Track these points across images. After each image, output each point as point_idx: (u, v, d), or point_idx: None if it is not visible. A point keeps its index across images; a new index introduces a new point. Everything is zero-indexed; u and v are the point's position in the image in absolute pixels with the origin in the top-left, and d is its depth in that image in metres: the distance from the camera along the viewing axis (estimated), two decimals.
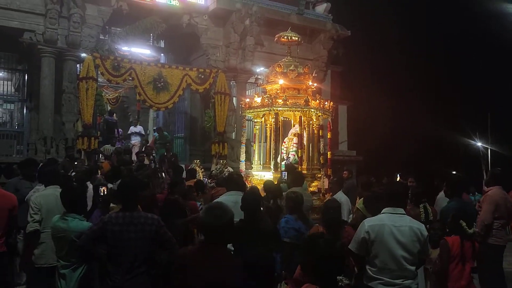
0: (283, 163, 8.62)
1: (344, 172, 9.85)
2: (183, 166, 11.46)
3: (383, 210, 3.47)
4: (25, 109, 11.41)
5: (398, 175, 9.03)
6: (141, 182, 4.30)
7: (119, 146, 11.26)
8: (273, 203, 5.22)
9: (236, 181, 5.00)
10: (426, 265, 4.26)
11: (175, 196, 5.21)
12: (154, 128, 13.27)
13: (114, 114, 15.07)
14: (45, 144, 10.18)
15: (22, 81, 11.76)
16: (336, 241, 3.03)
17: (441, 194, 6.22)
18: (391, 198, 3.48)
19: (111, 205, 4.48)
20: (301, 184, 5.97)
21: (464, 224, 3.98)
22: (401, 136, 18.27)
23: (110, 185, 5.90)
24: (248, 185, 8.02)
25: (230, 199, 4.41)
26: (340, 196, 6.36)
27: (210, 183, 8.45)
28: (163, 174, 8.29)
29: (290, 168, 7.48)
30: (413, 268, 3.35)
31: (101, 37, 11.77)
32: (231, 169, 9.51)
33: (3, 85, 11.73)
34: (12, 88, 12.34)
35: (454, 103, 18.91)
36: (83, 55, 10.52)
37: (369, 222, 3.42)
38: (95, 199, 5.06)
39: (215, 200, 4.49)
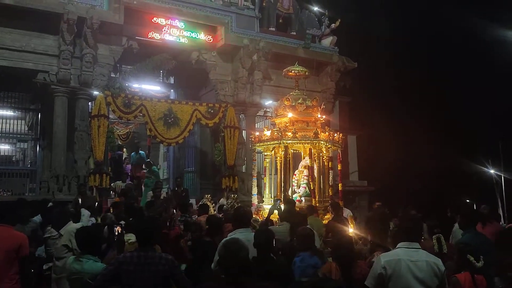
0: (294, 195, 8.59)
1: (376, 203, 9.66)
2: (194, 200, 11.51)
3: (398, 245, 3.42)
4: (38, 147, 11.56)
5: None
6: (157, 221, 4.27)
7: (130, 182, 11.31)
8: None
9: (242, 217, 4.76)
10: None
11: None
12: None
13: (124, 149, 15.25)
14: (58, 182, 10.25)
15: (35, 120, 11.97)
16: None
17: (457, 225, 6.10)
18: (406, 232, 3.43)
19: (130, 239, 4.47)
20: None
21: (471, 258, 3.89)
22: (412, 165, 18.13)
23: (122, 222, 5.93)
24: (260, 219, 7.99)
25: (240, 237, 4.30)
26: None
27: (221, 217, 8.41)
28: (174, 210, 8.27)
29: (288, 201, 7.41)
30: None
31: (112, 75, 12.01)
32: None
33: (17, 124, 11.94)
34: (26, 127, 12.56)
35: (464, 130, 18.82)
36: (95, 93, 10.74)
37: (385, 258, 3.36)
38: (109, 238, 5.06)
39: (231, 236, 4.42)
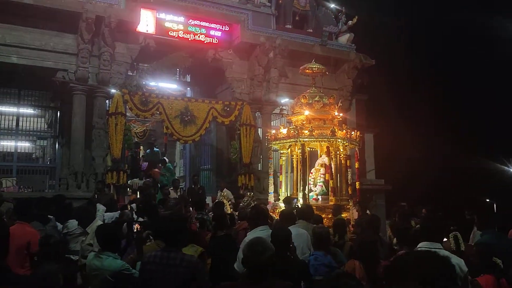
0: (311, 194, 8.54)
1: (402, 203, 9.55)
2: (210, 198, 11.55)
3: (420, 244, 3.36)
4: (57, 145, 11.73)
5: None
6: (185, 222, 4.21)
7: (148, 180, 11.38)
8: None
9: (259, 215, 4.75)
10: None
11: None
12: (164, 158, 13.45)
13: (141, 146, 15.37)
14: (76, 179, 10.40)
15: (54, 118, 12.15)
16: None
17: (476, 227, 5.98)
18: (429, 233, 3.37)
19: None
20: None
21: (498, 261, 3.77)
22: (430, 163, 17.90)
23: (140, 219, 5.96)
24: (276, 217, 7.96)
25: (261, 234, 4.17)
26: None
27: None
28: (191, 208, 8.29)
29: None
30: None
31: (130, 73, 12.11)
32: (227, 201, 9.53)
33: (37, 122, 12.14)
34: (45, 124, 12.77)
35: (483, 129, 18.51)
36: (113, 91, 10.83)
37: None
38: (128, 235, 5.09)
39: (256, 236, 4.40)
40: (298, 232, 4.65)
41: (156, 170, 12.27)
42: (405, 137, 17.62)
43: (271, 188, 9.28)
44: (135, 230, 4.72)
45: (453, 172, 17.94)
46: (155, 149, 13.58)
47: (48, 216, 5.88)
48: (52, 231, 5.25)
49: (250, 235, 4.37)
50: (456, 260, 3.29)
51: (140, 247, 4.07)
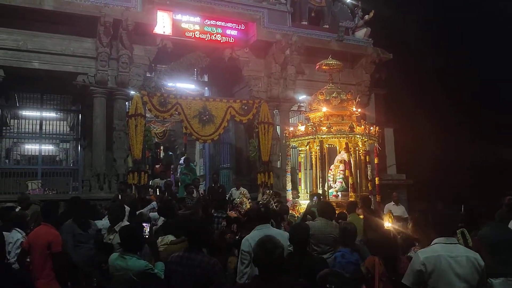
0: (330, 190, 8.52)
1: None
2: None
3: (435, 240, 3.29)
4: (79, 147, 11.96)
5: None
6: (207, 224, 4.23)
7: (169, 180, 11.52)
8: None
9: (261, 215, 4.57)
10: None
11: None
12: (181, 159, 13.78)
13: (161, 147, 15.59)
14: (99, 181, 10.59)
15: (76, 121, 12.40)
16: None
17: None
18: (443, 227, 3.32)
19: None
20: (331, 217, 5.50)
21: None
22: (452, 157, 17.57)
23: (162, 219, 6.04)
24: (296, 215, 7.98)
25: (258, 233, 4.04)
26: None
27: None
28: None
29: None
30: None
31: (148, 74, 12.26)
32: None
33: (59, 125, 12.41)
34: (67, 127, 13.04)
35: (508, 121, 18.03)
36: (132, 93, 10.98)
37: (423, 254, 3.24)
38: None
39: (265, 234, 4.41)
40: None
41: (157, 167, 12.47)
42: (427, 131, 17.32)
43: (288, 186, 9.29)
44: (147, 231, 4.79)
45: (478, 166, 17.55)
46: (169, 153, 13.88)
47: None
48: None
49: (249, 236, 4.24)
50: (473, 254, 3.26)
51: (154, 247, 4.10)
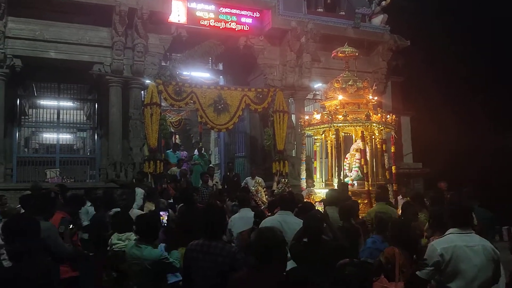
0: (346, 179, 8.45)
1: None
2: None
3: (449, 230, 3.25)
4: (96, 136, 12.08)
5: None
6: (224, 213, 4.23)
7: (184, 168, 11.58)
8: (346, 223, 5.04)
9: (287, 201, 4.99)
10: None
11: None
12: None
13: (177, 135, 15.65)
14: (115, 169, 10.70)
15: (92, 110, 12.52)
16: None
17: None
18: (458, 217, 3.27)
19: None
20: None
21: None
22: (470, 146, 17.25)
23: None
24: (312, 203, 7.93)
25: (277, 218, 4.59)
26: None
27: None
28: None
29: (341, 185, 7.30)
30: None
31: (163, 63, 12.28)
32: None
33: (76, 114, 12.56)
34: (84, 117, 13.19)
35: None
36: (147, 82, 11.02)
37: (440, 245, 3.19)
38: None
39: (283, 220, 4.49)
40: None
41: None
42: (444, 119, 17.04)
43: (303, 174, 9.25)
44: (165, 220, 4.83)
45: (496, 155, 17.20)
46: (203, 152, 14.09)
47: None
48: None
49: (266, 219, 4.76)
50: (489, 244, 3.23)
51: (171, 234, 4.11)
